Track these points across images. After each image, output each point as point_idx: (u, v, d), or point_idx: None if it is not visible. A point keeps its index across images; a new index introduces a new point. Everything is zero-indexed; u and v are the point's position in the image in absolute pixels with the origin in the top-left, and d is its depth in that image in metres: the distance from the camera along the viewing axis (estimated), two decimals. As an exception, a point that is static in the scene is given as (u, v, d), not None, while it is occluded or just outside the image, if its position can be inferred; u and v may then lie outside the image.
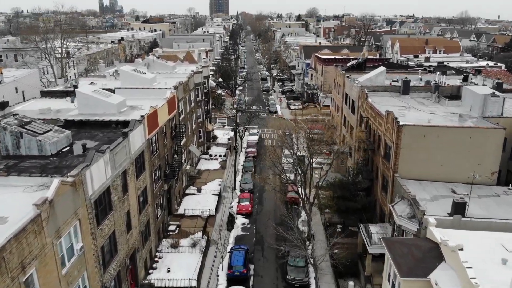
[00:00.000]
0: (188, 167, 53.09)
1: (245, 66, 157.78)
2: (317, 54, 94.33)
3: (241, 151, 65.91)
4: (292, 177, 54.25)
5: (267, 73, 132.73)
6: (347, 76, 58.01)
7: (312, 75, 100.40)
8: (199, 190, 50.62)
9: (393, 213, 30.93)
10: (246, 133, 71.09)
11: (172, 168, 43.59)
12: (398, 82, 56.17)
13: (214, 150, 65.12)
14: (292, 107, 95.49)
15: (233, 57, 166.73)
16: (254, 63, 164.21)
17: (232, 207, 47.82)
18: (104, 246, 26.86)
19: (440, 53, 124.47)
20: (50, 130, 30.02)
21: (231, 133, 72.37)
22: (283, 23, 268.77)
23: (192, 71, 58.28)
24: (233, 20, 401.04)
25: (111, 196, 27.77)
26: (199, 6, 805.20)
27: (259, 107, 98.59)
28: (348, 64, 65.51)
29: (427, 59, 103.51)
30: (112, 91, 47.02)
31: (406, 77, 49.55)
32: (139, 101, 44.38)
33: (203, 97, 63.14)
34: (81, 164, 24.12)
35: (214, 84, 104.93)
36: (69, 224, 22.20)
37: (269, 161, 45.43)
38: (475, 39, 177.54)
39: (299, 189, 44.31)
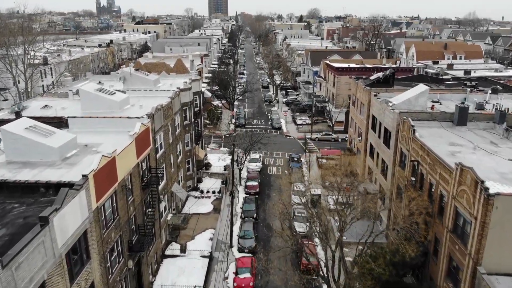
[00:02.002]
0: (170, 216, 40.65)
1: (245, 72, 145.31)
2: (327, 62, 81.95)
3: (240, 184, 53.46)
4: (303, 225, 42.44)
5: (268, 80, 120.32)
6: (375, 95, 45.65)
7: (321, 85, 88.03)
8: (183, 249, 38.16)
9: None
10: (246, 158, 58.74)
11: (143, 232, 31.14)
12: (440, 104, 43.96)
13: (207, 183, 52.67)
14: (298, 122, 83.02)
15: (231, 61, 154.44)
16: (255, 69, 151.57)
17: (227, 277, 35.37)
18: None
19: (461, 58, 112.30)
20: None
21: (228, 158, 59.98)
22: (285, 24, 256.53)
23: (178, 88, 45.88)
24: (232, 21, 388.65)
25: None
26: (198, 6, 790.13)
27: (261, 121, 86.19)
28: (372, 78, 53.16)
29: (450, 66, 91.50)
30: (65, 121, 34.76)
31: (463, 102, 37.13)
32: (100, 136, 32.14)
33: (193, 119, 50.79)
34: None
35: (210, 94, 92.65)
36: None
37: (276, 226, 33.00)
38: (491, 42, 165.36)
39: (320, 257, 32.19)
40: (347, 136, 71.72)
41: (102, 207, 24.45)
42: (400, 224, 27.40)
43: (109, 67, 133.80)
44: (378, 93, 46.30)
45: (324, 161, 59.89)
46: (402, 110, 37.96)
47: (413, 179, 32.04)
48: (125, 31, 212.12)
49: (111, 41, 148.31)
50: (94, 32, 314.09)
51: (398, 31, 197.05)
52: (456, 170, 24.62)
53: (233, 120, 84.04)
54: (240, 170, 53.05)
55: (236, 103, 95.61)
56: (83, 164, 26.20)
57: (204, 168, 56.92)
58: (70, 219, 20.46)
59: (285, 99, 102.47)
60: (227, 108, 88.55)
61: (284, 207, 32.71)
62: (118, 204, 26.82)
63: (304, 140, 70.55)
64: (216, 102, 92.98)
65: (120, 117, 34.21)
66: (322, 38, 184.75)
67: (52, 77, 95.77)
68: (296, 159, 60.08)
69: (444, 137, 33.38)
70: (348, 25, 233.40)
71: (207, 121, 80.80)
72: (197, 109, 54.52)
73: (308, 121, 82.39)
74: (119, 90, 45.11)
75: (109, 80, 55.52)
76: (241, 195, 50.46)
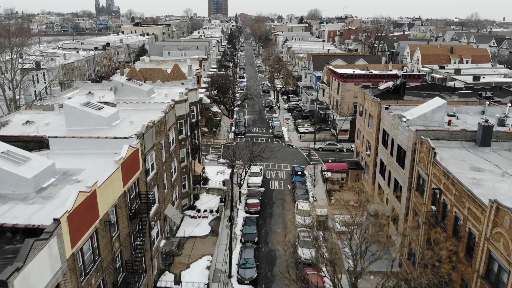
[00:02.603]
0: (162, 242, 37.21)
1: (245, 75, 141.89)
2: (331, 67, 78.51)
3: (240, 201, 50.04)
4: (310, 251, 39.04)
5: (269, 84, 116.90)
6: (386, 108, 42.27)
7: (324, 91, 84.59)
8: (177, 280, 34.77)
9: None
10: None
11: (131, 269, 27.73)
12: (457, 118, 40.62)
13: (204, 201, 49.27)
14: (301, 130, 79.60)
15: (231, 64, 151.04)
16: (255, 72, 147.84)
17: (225, 313, 31.99)
18: None
19: (467, 63, 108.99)
20: None
21: (228, 171, 56.60)
22: (285, 26, 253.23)
23: (173, 100, 42.46)
24: (232, 22, 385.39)
25: None
26: (198, 7, 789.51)
27: (261, 129, 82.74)
28: (381, 87, 49.79)
29: (458, 71, 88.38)
30: (45, 141, 31.37)
31: (487, 120, 33.63)
32: (83, 159, 28.93)
33: (190, 132, 47.39)
34: None
35: (208, 100, 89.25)
36: None
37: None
38: (495, 45, 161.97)
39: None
40: (352, 146, 68.44)
41: (79, 252, 21.03)
42: (428, 272, 23.85)
43: (105, 71, 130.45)
44: (389, 105, 42.93)
45: (329, 174, 56.53)
46: (419, 128, 34.59)
47: (434, 208, 28.63)
48: (122, 32, 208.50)
49: (108, 44, 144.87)
50: (92, 34, 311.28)
51: (401, 33, 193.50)
52: (490, 209, 21.20)
53: (233, 128, 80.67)
54: (240, 186, 49.60)
55: (235, 109, 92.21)
56: (59, 198, 22.94)
57: (201, 183, 53.49)
58: (37, 276, 17.04)
59: (286, 105, 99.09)
60: (226, 116, 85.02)
61: (290, 243, 29.26)
62: (100, 243, 23.40)
63: (308, 151, 66.97)
64: (215, 109, 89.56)
65: (106, 137, 30.79)
66: (324, 41, 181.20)
67: (45, 83, 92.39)
68: (299, 173, 56.63)
69: (467, 160, 29.96)
70: (349, 26, 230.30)
71: (205, 129, 77.48)
72: (194, 120, 51.13)
73: (311, 129, 79.01)
74: (108, 103, 41.87)
75: (100, 89, 52.26)
76: (241, 213, 47.04)
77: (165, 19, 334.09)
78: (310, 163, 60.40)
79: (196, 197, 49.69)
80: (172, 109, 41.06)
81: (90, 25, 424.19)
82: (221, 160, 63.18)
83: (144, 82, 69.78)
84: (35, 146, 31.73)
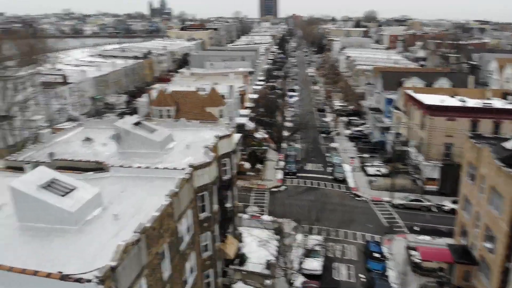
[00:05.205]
0: None
1: (296, 88, 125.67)
2: (411, 93, 60.66)
3: (289, 304, 34.34)
4: None
5: (324, 100, 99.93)
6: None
7: (398, 118, 66.86)
8: None
9: None
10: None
11: None
12: None
13: (237, 299, 34.19)
14: (370, 171, 61.82)
15: (282, 73, 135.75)
16: (307, 85, 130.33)
17: None
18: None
19: None
20: None
21: (273, 240, 40.83)
22: (340, 29, 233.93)
23: (192, 167, 27.71)
24: (283, 24, 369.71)
25: None
26: (248, 7, 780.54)
27: (317, 166, 66.25)
28: (509, 146, 32.18)
29: None
30: None
31: None
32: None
33: (218, 203, 32.56)
34: None
35: (252, 125, 74.38)
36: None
37: None
38: None
39: None
40: (444, 204, 50.66)
41: None
42: None
43: (146, 80, 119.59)
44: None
45: (416, 257, 39.48)
46: None
47: None
48: (168, 37, 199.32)
49: (150, 52, 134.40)
50: (141, 36, 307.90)
51: (480, 41, 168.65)
52: None
53: (281, 163, 65.17)
54: (291, 283, 33.80)
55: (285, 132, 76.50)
56: None
57: (236, 261, 38.53)
58: None
59: (348, 131, 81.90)
60: (273, 149, 69.44)
61: None
62: None
63: (385, 210, 49.28)
64: (259, 135, 74.43)
65: (47, 275, 16.34)
66: (389, 48, 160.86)
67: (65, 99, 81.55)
68: (377, 254, 39.62)
69: None
70: (414, 31, 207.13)
71: (247, 165, 62.47)
72: (227, 177, 36.31)
73: (383, 170, 61.30)
74: (100, 164, 28.16)
75: (107, 128, 38.73)
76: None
77: (214, 22, 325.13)
78: (391, 234, 43.17)
79: (226, 292, 34.75)
80: (186, 182, 26.29)
81: (142, 27, 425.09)
82: (266, 218, 47.73)
83: (175, 110, 56.39)
84: None
